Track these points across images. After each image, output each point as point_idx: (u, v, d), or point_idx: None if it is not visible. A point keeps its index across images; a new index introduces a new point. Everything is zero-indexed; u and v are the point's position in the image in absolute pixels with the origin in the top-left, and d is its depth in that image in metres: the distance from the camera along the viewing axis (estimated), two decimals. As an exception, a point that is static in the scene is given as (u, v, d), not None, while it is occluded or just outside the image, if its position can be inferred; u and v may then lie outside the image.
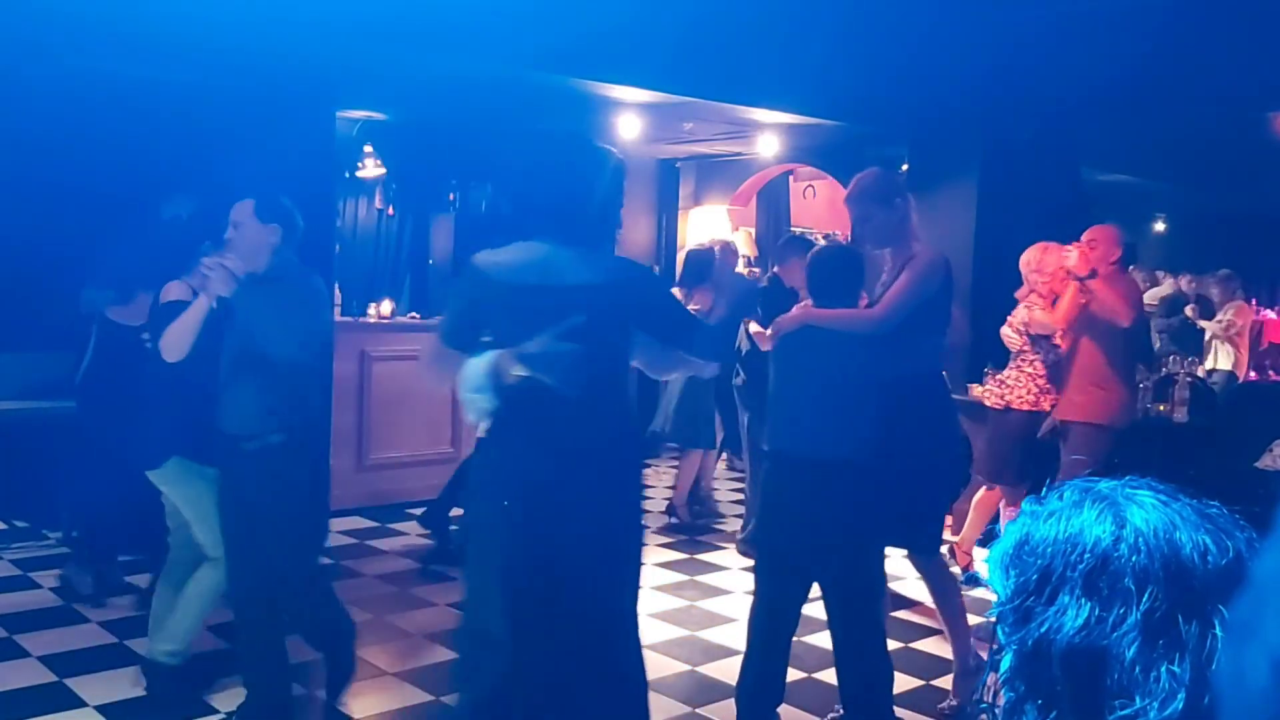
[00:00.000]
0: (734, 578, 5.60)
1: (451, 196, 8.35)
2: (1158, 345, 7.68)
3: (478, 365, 2.62)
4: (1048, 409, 5.23)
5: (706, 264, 6.20)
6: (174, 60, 5.38)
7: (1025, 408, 5.26)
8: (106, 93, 5.53)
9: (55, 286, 5.12)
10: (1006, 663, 0.95)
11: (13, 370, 5.48)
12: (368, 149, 7.80)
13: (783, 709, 3.68)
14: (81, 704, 3.78)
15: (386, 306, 7.16)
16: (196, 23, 4.78)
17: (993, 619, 0.97)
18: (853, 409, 3.42)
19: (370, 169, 7.89)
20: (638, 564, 2.88)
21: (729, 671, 4.20)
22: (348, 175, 7.76)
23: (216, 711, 3.75)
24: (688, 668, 4.37)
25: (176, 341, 3.40)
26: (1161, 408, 5.94)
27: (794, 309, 3.67)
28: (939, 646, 4.56)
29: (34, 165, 5.40)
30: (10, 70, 5.30)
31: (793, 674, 4.28)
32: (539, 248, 2.73)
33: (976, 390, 5.86)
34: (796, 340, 3.54)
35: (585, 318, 2.60)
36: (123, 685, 3.92)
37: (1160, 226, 13.92)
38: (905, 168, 7.52)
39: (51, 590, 4.95)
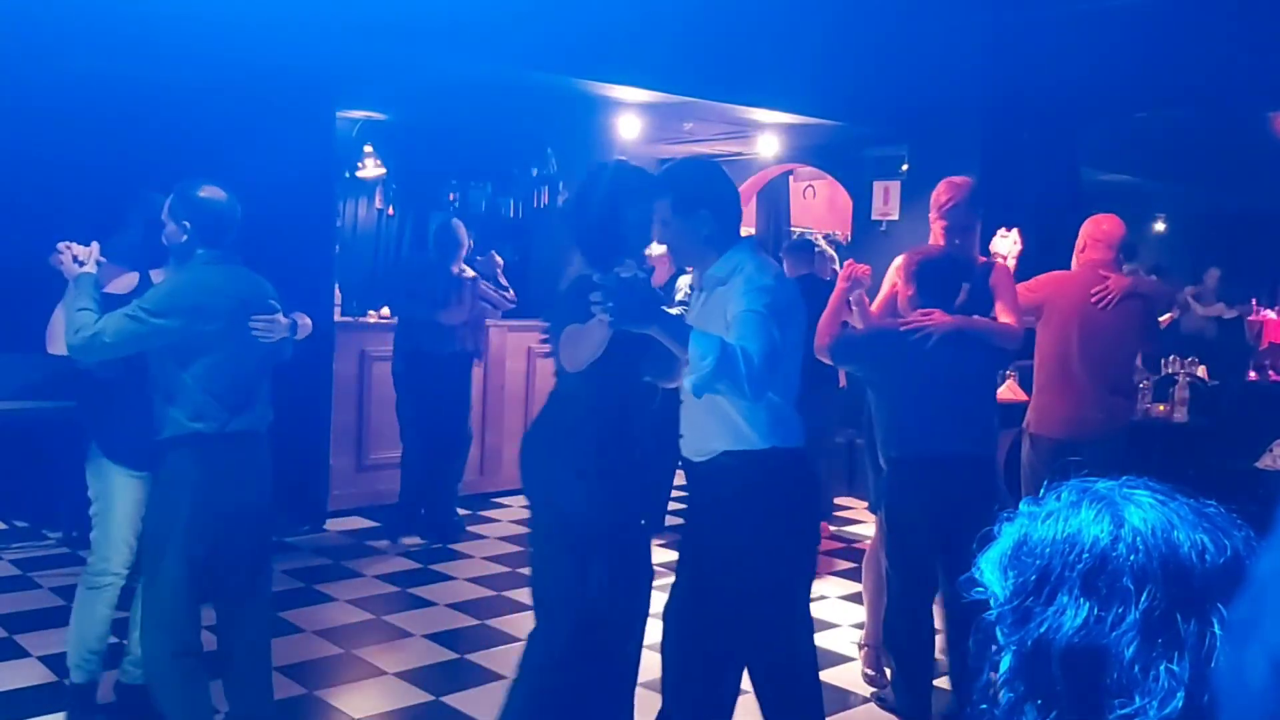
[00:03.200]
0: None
1: (452, 196, 8.35)
2: None
3: None
4: None
5: None
6: (174, 60, 5.38)
7: None
8: (107, 93, 5.53)
9: (55, 287, 5.12)
10: (1006, 663, 0.95)
11: (13, 370, 5.48)
12: (368, 149, 7.80)
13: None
14: (81, 704, 3.78)
15: (386, 307, 7.16)
16: (197, 23, 4.79)
17: (992, 620, 0.97)
18: (979, 407, 3.74)
19: (370, 169, 7.90)
20: None
21: (729, 671, 4.21)
22: (348, 175, 7.76)
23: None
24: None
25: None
26: (1161, 408, 5.93)
27: (934, 315, 3.66)
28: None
29: (34, 165, 5.40)
30: (10, 70, 5.30)
31: (793, 674, 4.29)
32: None
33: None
34: (944, 345, 3.63)
35: None
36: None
37: (1160, 226, 13.92)
38: (905, 168, 7.53)
39: (51, 590, 4.95)
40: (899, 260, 4.13)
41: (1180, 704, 0.86)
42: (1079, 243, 4.62)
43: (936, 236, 4.12)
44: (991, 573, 0.98)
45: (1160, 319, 6.71)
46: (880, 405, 3.76)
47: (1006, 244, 4.43)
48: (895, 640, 3.79)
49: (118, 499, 3.56)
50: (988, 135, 6.99)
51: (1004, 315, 3.90)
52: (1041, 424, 4.49)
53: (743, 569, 2.86)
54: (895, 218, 7.55)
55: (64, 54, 5.29)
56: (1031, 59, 6.77)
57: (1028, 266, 6.05)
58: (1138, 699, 0.87)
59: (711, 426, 2.86)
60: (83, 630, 3.61)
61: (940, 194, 4.12)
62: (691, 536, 3.06)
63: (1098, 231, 4.59)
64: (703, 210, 2.86)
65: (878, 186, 7.78)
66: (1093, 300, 4.31)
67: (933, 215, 4.16)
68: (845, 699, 4.09)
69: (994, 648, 0.96)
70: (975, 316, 3.77)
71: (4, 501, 5.78)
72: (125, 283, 3.57)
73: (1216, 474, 5.64)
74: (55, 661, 4.14)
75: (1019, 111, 6.95)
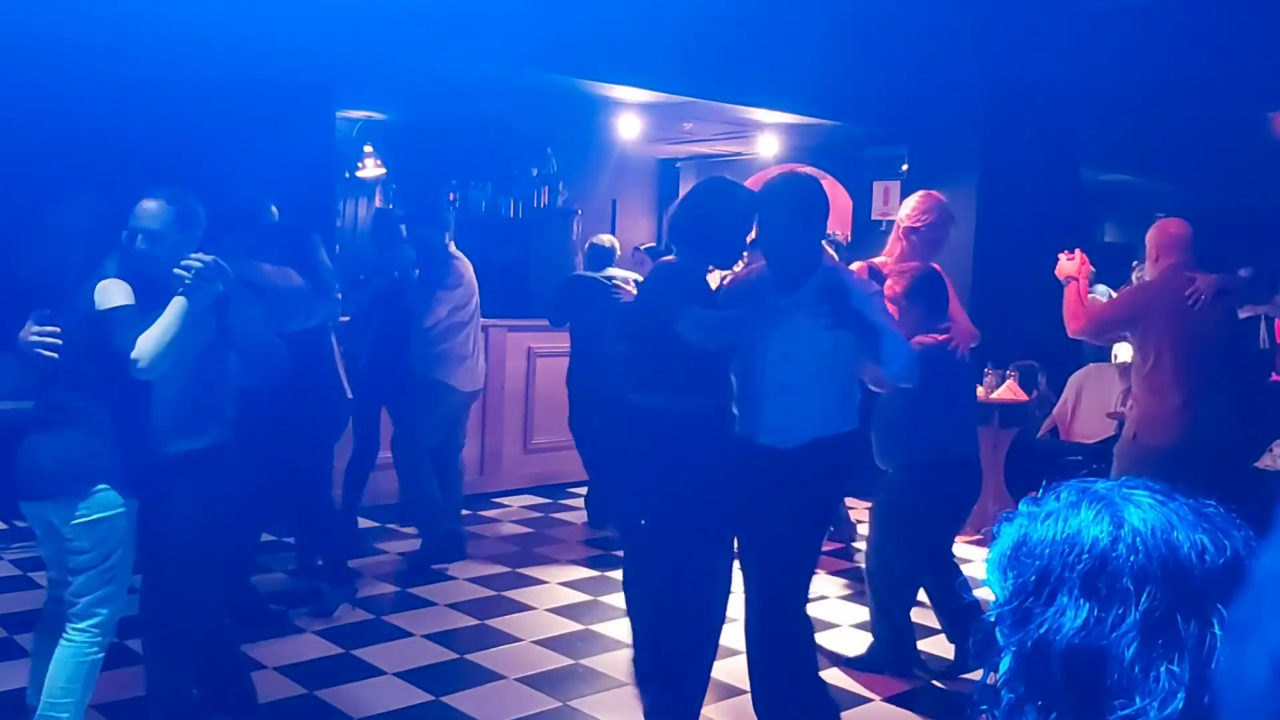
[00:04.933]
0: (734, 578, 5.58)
1: (452, 196, 8.35)
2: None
3: None
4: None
5: None
6: (174, 60, 5.39)
7: None
8: (106, 93, 5.53)
9: (57, 287, 5.12)
10: (1006, 664, 0.95)
11: (14, 370, 5.47)
12: (368, 149, 7.79)
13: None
14: (81, 704, 3.77)
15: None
16: (197, 23, 4.78)
17: (991, 621, 0.97)
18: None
19: (370, 169, 7.89)
20: None
21: (729, 671, 4.20)
22: (348, 175, 7.76)
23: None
24: (688, 668, 4.36)
25: (158, 349, 3.00)
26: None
27: (952, 330, 4.11)
28: (940, 646, 4.56)
29: (34, 167, 5.40)
30: (11, 70, 5.30)
31: (793, 674, 4.29)
32: None
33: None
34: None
35: None
36: (123, 685, 3.92)
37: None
38: (905, 168, 7.53)
39: (52, 590, 4.94)
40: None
41: (1181, 705, 0.86)
42: (1150, 252, 4.59)
43: (913, 252, 4.21)
44: (991, 573, 0.98)
45: None
46: (908, 413, 3.99)
47: (1074, 265, 4.53)
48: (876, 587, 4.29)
49: (130, 535, 3.13)
50: (988, 135, 6.99)
51: (964, 321, 4.25)
52: (1153, 432, 4.41)
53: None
54: (895, 218, 7.54)
55: (63, 54, 5.29)
56: (1031, 59, 6.76)
57: (1026, 267, 6.07)
58: (1138, 700, 0.87)
59: (814, 415, 3.19)
60: (86, 696, 3.20)
61: (920, 211, 4.25)
62: (773, 518, 3.31)
63: (1165, 236, 4.56)
64: (823, 222, 3.31)
65: (878, 186, 7.78)
66: (1188, 303, 4.32)
67: (916, 226, 4.25)
68: (846, 699, 4.08)
69: (994, 649, 0.96)
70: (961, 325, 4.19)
71: (4, 501, 5.77)
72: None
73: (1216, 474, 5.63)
74: (55, 662, 4.13)
75: (1019, 111, 6.94)
